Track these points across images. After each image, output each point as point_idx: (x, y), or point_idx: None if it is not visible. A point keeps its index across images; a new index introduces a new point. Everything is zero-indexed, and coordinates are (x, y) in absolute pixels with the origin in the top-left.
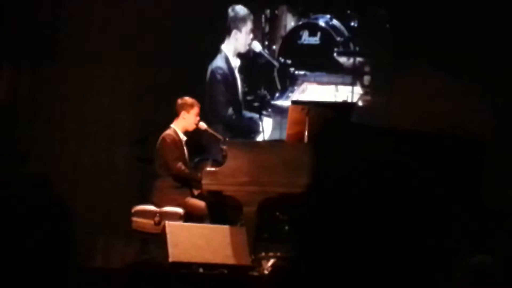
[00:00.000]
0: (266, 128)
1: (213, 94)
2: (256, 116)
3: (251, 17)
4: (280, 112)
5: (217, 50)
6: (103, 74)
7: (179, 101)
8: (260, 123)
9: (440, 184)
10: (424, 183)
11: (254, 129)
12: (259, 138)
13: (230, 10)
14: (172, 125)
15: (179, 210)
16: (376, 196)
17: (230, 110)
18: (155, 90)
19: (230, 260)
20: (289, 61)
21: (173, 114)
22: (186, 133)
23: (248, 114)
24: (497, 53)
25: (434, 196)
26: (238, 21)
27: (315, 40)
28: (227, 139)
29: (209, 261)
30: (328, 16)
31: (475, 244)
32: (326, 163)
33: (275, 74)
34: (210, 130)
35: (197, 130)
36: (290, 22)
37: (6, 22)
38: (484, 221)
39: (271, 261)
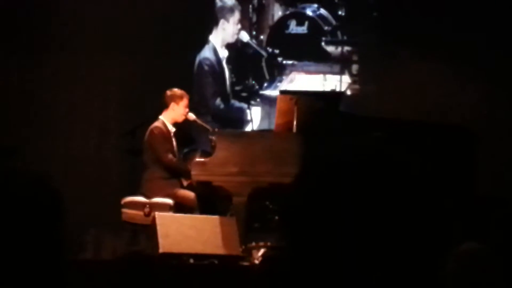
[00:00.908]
0: (255, 118)
1: (200, 85)
2: (245, 105)
3: (239, 7)
4: (269, 102)
5: (205, 41)
6: (92, 67)
7: (168, 92)
8: (249, 112)
9: (431, 172)
10: (414, 171)
11: (242, 118)
12: (248, 128)
13: (217, 0)
14: (161, 117)
15: (169, 201)
16: (366, 186)
17: (218, 101)
18: (144, 82)
19: (221, 251)
20: (277, 51)
21: (162, 106)
22: (175, 124)
23: (236, 103)
24: (485, 40)
25: (425, 184)
26: (225, 11)
27: (303, 29)
28: (215, 129)
29: (199, 252)
30: (316, 5)
31: (467, 232)
32: (315, 152)
33: (263, 64)
34: (198, 121)
35: (186, 121)
36: (277, 11)
37: None
38: (476, 208)
39: (261, 251)
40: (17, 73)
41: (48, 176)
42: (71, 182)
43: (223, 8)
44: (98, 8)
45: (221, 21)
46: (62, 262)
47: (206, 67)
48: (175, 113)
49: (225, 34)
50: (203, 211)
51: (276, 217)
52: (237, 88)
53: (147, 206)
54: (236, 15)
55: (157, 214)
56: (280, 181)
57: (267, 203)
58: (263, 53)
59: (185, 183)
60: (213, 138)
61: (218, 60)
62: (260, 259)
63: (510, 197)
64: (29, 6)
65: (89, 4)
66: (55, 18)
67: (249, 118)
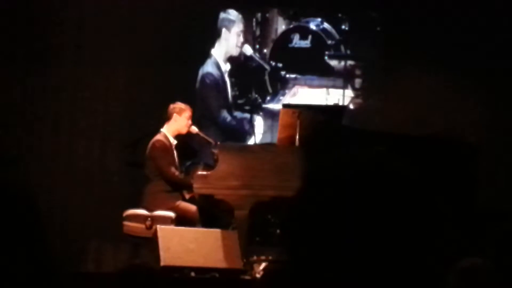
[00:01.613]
0: (258, 130)
1: (205, 99)
2: (248, 116)
3: (242, 19)
4: (271, 115)
5: (207, 54)
6: (96, 78)
7: (171, 105)
8: (253, 122)
9: (433, 187)
10: (416, 186)
11: (246, 129)
12: (250, 141)
13: (221, 13)
14: (162, 130)
15: (171, 214)
16: (368, 199)
17: (225, 113)
18: (146, 95)
19: (222, 264)
20: (280, 65)
21: (164, 119)
22: (177, 137)
23: (240, 114)
24: (490, 54)
25: (427, 199)
26: (228, 22)
27: (306, 43)
28: (218, 143)
29: (200, 265)
30: (319, 19)
31: (468, 247)
32: (317, 167)
33: (266, 77)
34: (201, 134)
35: (189, 134)
36: (281, 25)
37: None
38: (477, 223)
39: (263, 265)
40: (19, 84)
41: (50, 188)
42: (72, 194)
43: (225, 19)
44: (100, 20)
45: (223, 31)
46: (58, 274)
47: (208, 81)
48: (177, 124)
49: (227, 45)
50: (204, 225)
51: (278, 231)
52: (240, 101)
53: (149, 219)
54: (239, 27)
55: (159, 227)
56: (282, 195)
57: (269, 216)
58: (266, 66)
59: (187, 196)
60: (216, 151)
61: (221, 74)
62: (261, 273)
63: (510, 210)
64: (31, 15)
65: (91, 15)
66: (57, 28)
67: (252, 128)
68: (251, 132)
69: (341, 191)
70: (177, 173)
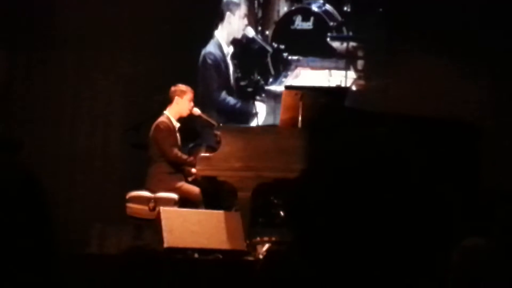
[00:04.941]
0: (260, 113)
1: (204, 79)
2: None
3: (245, 1)
4: (274, 97)
5: (210, 37)
6: (97, 62)
7: (173, 88)
8: (254, 106)
9: (437, 168)
10: (420, 166)
11: (248, 112)
12: (253, 123)
13: None
14: (165, 112)
15: (174, 195)
16: (371, 180)
17: (224, 94)
18: (149, 77)
19: (225, 245)
20: (282, 46)
21: (167, 101)
22: (179, 119)
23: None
24: (494, 35)
25: (432, 180)
26: (231, 5)
27: (308, 25)
28: (220, 124)
29: (204, 246)
30: (321, 1)
31: (471, 227)
32: (320, 148)
33: (269, 59)
34: (204, 116)
35: (191, 116)
36: (283, 7)
37: (1, 6)
38: (481, 204)
39: (266, 246)
40: (22, 69)
41: (54, 171)
42: (76, 177)
43: (229, 2)
44: (101, 4)
45: (227, 15)
46: (60, 256)
47: (209, 61)
48: (179, 106)
49: (231, 28)
50: (208, 206)
51: (281, 212)
52: (243, 83)
53: (152, 200)
54: (243, 9)
55: (162, 208)
56: (285, 176)
57: (272, 198)
58: (269, 48)
59: (189, 178)
60: (218, 133)
61: (222, 55)
62: (264, 254)
63: None
64: (33, 3)
65: (92, 0)
66: (59, 14)
67: (254, 110)
68: (253, 114)
69: (344, 172)
70: (180, 153)
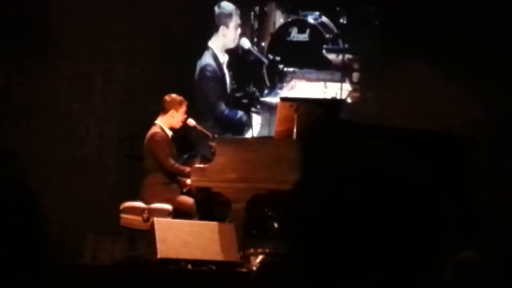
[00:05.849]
0: (255, 125)
1: (204, 91)
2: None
3: (238, 11)
4: (269, 109)
5: (204, 47)
6: (92, 72)
7: (167, 98)
8: (250, 116)
9: (431, 181)
10: (414, 179)
11: (244, 123)
12: (248, 134)
13: (216, 7)
14: (158, 122)
15: (168, 206)
16: (366, 192)
17: (223, 106)
18: (143, 87)
19: (219, 257)
20: (278, 58)
21: (160, 109)
22: (173, 129)
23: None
24: (488, 48)
25: (424, 193)
26: (224, 17)
27: (304, 37)
28: (215, 135)
29: (197, 258)
30: (317, 13)
31: (465, 241)
32: (314, 160)
33: (264, 70)
34: (199, 127)
35: (186, 127)
36: (279, 19)
37: None
38: (474, 218)
39: (260, 258)
40: (17, 77)
41: (47, 181)
42: (70, 187)
43: (221, 14)
44: (98, 14)
45: (221, 28)
46: (54, 266)
47: (208, 73)
48: (174, 120)
49: (225, 40)
50: (202, 217)
51: (275, 224)
52: (238, 94)
53: (146, 211)
54: (235, 20)
55: (156, 219)
56: (279, 188)
57: (266, 209)
58: (264, 60)
59: (184, 189)
60: (213, 144)
61: (219, 66)
62: (258, 265)
63: (508, 206)
64: (29, 9)
65: (89, 9)
66: (55, 21)
67: (249, 122)
68: (248, 125)
69: (338, 184)
70: (176, 164)
